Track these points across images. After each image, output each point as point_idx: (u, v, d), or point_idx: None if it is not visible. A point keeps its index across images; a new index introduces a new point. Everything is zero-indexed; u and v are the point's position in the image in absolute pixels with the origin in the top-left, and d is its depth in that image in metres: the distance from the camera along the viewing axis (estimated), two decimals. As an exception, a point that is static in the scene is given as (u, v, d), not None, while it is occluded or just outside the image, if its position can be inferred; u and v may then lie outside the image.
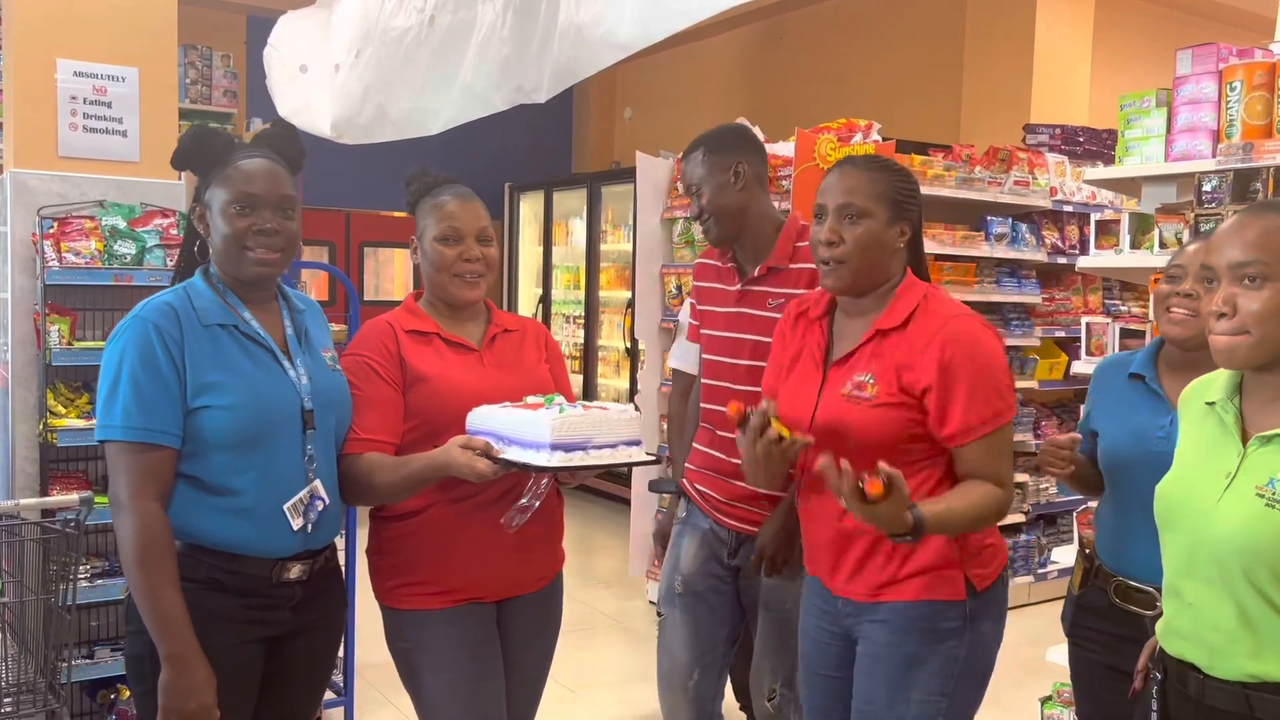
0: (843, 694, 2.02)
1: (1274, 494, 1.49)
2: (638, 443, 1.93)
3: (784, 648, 2.40)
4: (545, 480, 1.94)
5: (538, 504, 1.97)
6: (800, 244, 2.38)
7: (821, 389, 1.97)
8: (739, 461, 2.34)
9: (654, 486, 2.79)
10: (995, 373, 1.87)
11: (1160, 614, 1.68)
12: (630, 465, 1.98)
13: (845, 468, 1.64)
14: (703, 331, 2.57)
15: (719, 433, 2.46)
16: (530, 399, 1.94)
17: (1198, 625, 1.57)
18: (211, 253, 1.94)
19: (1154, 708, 1.66)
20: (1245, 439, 1.57)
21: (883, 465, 1.63)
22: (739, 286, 2.46)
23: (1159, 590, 1.71)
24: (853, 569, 1.94)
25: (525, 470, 1.85)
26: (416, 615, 2.09)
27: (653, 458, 1.99)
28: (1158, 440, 2.07)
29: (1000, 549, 2.00)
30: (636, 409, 1.99)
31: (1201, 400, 1.67)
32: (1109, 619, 2.15)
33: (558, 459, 1.80)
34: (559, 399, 1.92)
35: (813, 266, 2.33)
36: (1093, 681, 2.23)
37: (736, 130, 2.52)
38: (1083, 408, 2.40)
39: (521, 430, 1.85)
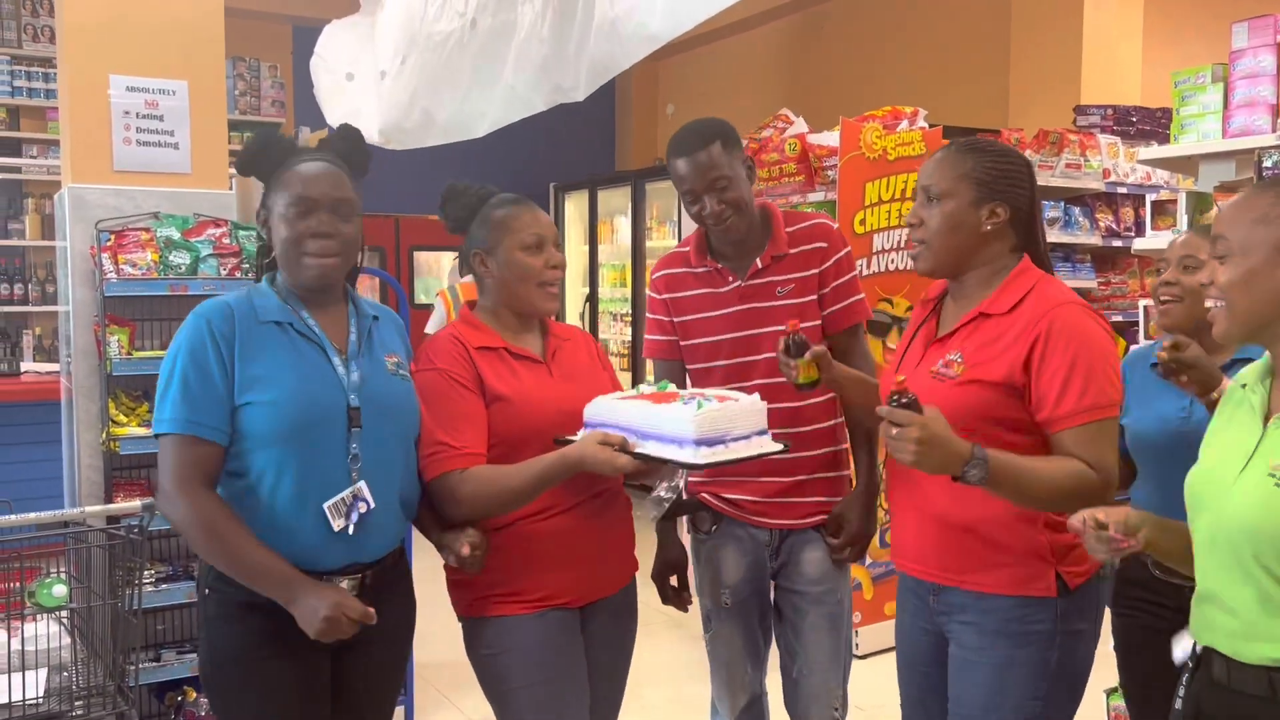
0: (937, 687, 2.01)
1: None
2: (765, 432, 1.92)
3: (838, 647, 2.38)
4: (681, 473, 1.92)
5: (674, 496, 1.96)
6: (789, 228, 2.34)
7: (918, 366, 1.97)
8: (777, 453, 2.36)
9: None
10: (1098, 361, 1.79)
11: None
12: (764, 456, 1.95)
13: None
14: (689, 343, 2.40)
15: None
16: (643, 388, 1.95)
17: (1221, 610, 1.55)
18: (277, 257, 1.95)
19: (1180, 694, 1.63)
20: (1268, 420, 1.55)
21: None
22: (739, 283, 2.33)
23: None
24: (940, 551, 1.92)
25: (667, 465, 1.85)
26: (502, 621, 2.07)
27: (780, 446, 1.97)
28: (1179, 420, 2.25)
29: None
30: (760, 398, 1.97)
31: (1238, 385, 1.65)
32: (1150, 588, 2.27)
33: (704, 454, 1.79)
34: (685, 391, 1.93)
35: (814, 247, 2.32)
36: (1134, 644, 2.35)
37: (726, 122, 2.37)
38: None
39: (661, 425, 1.84)
